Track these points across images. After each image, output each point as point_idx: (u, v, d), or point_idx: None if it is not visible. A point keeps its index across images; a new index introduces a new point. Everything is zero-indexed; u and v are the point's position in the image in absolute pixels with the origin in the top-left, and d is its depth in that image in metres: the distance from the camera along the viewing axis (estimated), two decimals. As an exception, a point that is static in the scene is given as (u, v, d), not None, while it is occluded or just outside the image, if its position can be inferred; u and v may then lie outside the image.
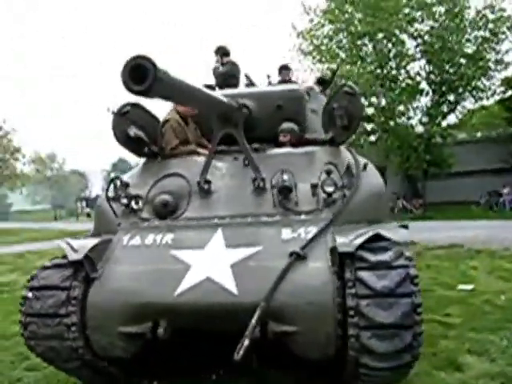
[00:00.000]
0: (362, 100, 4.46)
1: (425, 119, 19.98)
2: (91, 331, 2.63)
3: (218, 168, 3.32)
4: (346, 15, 19.08)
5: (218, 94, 3.01)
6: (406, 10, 18.59)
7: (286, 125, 3.79)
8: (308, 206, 2.88)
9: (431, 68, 19.34)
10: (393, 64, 19.45)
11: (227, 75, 5.00)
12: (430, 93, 19.75)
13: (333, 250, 2.47)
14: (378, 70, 19.26)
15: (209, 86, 4.44)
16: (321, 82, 5.10)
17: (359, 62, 19.17)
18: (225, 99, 2.86)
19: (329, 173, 2.85)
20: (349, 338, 2.26)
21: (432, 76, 19.44)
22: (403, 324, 2.20)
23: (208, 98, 2.62)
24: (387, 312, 2.18)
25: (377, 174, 3.27)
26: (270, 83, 5.28)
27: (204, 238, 2.81)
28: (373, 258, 2.34)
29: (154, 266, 2.72)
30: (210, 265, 2.61)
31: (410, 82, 19.74)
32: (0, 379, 3.49)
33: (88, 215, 36.14)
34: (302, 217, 2.83)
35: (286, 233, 2.72)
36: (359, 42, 19.49)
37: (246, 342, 2.22)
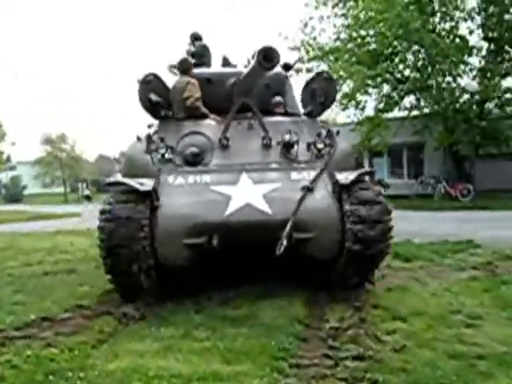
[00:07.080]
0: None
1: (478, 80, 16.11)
2: (159, 245, 3.75)
3: (232, 129, 4.52)
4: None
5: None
6: None
7: (277, 98, 5.12)
8: (305, 158, 4.33)
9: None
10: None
11: (197, 55, 5.73)
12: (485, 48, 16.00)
13: (335, 183, 3.96)
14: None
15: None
16: (285, 67, 5.71)
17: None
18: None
19: (319, 135, 4.43)
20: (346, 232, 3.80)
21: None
22: (381, 239, 3.86)
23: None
24: (372, 230, 3.78)
25: (344, 139, 4.59)
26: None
27: (234, 177, 4.09)
28: (362, 195, 3.86)
29: (200, 197, 3.92)
30: (246, 195, 3.91)
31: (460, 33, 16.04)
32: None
33: (87, 197, 33.12)
34: (301, 165, 4.27)
35: (294, 175, 4.14)
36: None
37: (285, 242, 3.66)
